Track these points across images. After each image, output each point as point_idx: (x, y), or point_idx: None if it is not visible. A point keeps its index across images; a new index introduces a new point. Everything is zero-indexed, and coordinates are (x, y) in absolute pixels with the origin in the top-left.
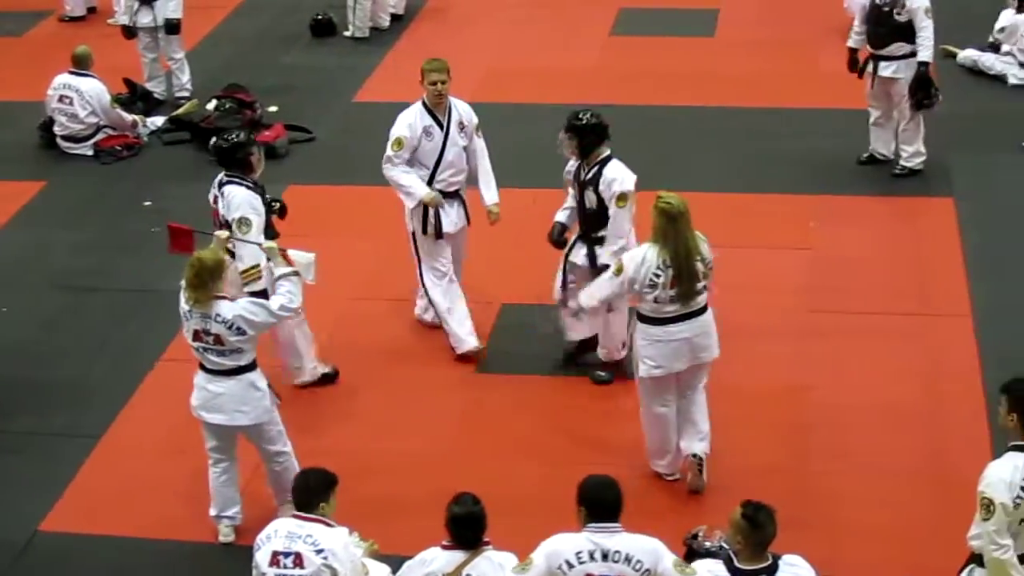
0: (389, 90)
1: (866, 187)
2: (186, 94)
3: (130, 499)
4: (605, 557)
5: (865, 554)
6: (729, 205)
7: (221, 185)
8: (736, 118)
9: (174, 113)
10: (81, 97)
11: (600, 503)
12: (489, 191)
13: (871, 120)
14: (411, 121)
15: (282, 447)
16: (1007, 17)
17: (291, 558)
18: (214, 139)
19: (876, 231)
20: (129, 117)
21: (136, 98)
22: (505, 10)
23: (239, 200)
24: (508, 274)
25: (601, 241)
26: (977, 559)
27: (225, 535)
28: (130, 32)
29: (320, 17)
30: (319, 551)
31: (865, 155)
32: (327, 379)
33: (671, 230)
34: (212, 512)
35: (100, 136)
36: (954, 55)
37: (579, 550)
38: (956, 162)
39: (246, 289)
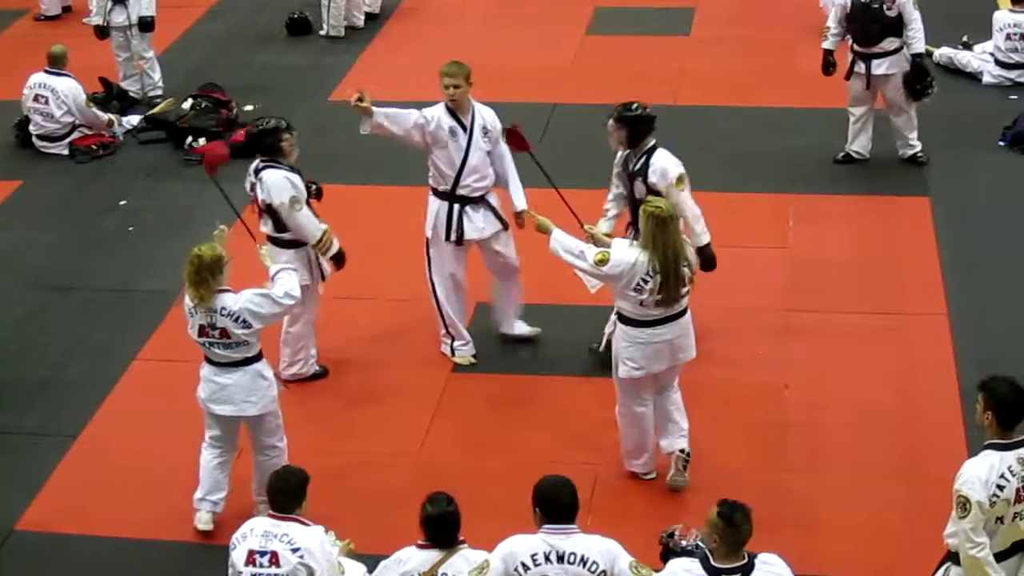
0: (365, 89)
1: (843, 186)
2: (159, 92)
3: (106, 498)
4: (561, 559)
5: (841, 552)
6: (706, 204)
7: (257, 171)
8: (712, 117)
9: (150, 112)
10: (56, 96)
11: (554, 504)
12: (518, 196)
13: (852, 120)
14: (437, 114)
15: (277, 441)
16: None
17: (267, 557)
18: (250, 127)
19: (853, 230)
20: (105, 116)
21: (112, 97)
22: (481, 9)
23: (281, 182)
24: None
25: None
26: (953, 557)
27: (204, 522)
28: (103, 32)
29: (296, 16)
30: (295, 549)
31: (842, 154)
32: (316, 377)
33: (660, 235)
34: (197, 495)
35: (76, 135)
36: (930, 54)
37: (534, 552)
38: (932, 161)
39: (328, 256)
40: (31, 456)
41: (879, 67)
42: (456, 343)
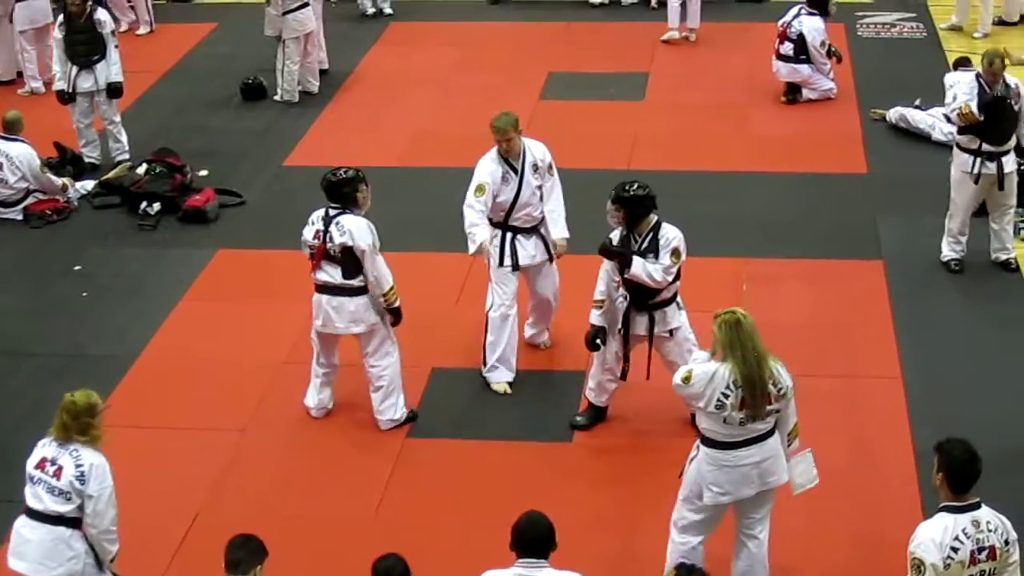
0: (319, 154)
1: (796, 249)
2: (126, 156)
3: None
4: None
5: None
6: None
7: (331, 218)
8: (665, 181)
9: (104, 177)
10: (11, 162)
11: (526, 539)
12: (556, 226)
13: (959, 228)
14: (491, 169)
15: None
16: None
17: None
18: (325, 175)
19: (807, 293)
20: (59, 181)
21: (66, 162)
22: (434, 75)
23: (363, 228)
24: (439, 337)
25: (659, 307)
26: None
27: None
28: (67, 97)
29: (250, 81)
30: None
31: (957, 262)
32: (408, 420)
33: (737, 339)
34: None
35: (30, 200)
36: (883, 118)
37: None
38: (885, 224)
39: (391, 307)
40: None
41: (1008, 164)
42: (488, 371)
